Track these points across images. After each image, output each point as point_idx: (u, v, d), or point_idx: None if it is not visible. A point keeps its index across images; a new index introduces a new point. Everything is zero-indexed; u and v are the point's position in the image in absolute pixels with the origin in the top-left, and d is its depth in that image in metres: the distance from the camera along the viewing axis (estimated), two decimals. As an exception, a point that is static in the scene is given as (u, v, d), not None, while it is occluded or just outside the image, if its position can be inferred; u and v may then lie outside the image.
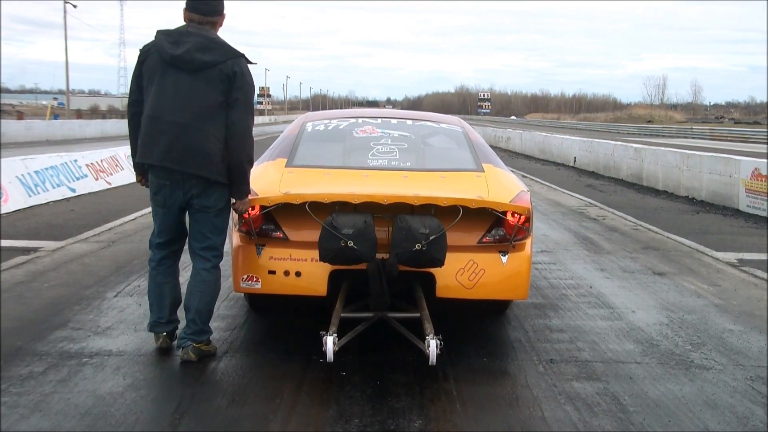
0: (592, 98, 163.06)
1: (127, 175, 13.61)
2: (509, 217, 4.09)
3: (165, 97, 3.80)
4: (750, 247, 8.24)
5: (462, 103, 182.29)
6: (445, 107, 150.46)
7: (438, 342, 3.65)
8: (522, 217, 4.10)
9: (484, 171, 4.53)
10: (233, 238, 4.25)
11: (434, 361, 3.64)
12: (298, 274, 4.07)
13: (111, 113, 66.32)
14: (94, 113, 68.90)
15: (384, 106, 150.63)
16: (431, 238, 3.80)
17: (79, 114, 57.49)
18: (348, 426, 3.26)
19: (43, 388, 3.58)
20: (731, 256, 7.55)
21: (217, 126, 3.81)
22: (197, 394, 3.59)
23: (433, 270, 4.01)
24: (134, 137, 3.97)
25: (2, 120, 34.08)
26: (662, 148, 16.18)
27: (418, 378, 3.85)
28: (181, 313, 4.13)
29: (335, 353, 3.65)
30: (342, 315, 3.99)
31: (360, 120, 5.24)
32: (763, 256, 7.58)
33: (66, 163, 12.29)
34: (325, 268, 4.02)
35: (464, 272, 4.06)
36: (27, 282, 5.76)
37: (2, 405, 3.36)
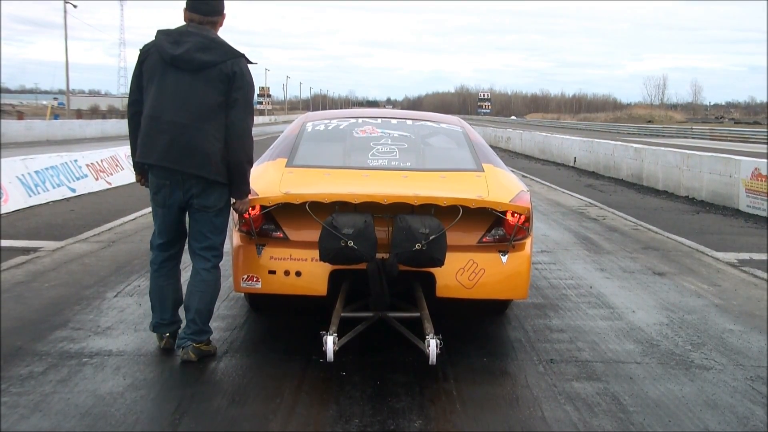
0: (592, 98, 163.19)
1: (127, 175, 13.61)
2: (509, 216, 4.09)
3: (165, 97, 3.80)
4: (750, 247, 8.24)
5: (462, 103, 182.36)
6: (445, 107, 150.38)
7: (438, 342, 3.65)
8: (522, 216, 4.10)
9: (484, 171, 4.53)
10: (233, 238, 4.25)
11: (434, 360, 3.64)
12: (298, 273, 4.07)
13: (111, 113, 66.29)
14: (95, 113, 68.85)
15: (384, 106, 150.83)
16: (431, 237, 3.80)
17: (79, 114, 57.45)
18: (348, 426, 3.26)
19: (43, 388, 3.58)
20: (731, 256, 7.55)
21: (217, 126, 3.81)
22: (197, 394, 3.59)
23: (433, 270, 4.01)
24: (134, 137, 3.97)
25: (2, 120, 34.06)
26: (662, 148, 16.17)
27: (418, 378, 3.85)
28: (181, 313, 4.13)
29: (335, 353, 3.65)
30: (342, 315, 3.99)
31: (360, 120, 5.24)
32: (763, 256, 7.58)
33: (66, 163, 12.29)
34: (325, 268, 4.02)
35: (464, 272, 4.07)
36: (27, 282, 5.76)
37: (2, 405, 3.36)
